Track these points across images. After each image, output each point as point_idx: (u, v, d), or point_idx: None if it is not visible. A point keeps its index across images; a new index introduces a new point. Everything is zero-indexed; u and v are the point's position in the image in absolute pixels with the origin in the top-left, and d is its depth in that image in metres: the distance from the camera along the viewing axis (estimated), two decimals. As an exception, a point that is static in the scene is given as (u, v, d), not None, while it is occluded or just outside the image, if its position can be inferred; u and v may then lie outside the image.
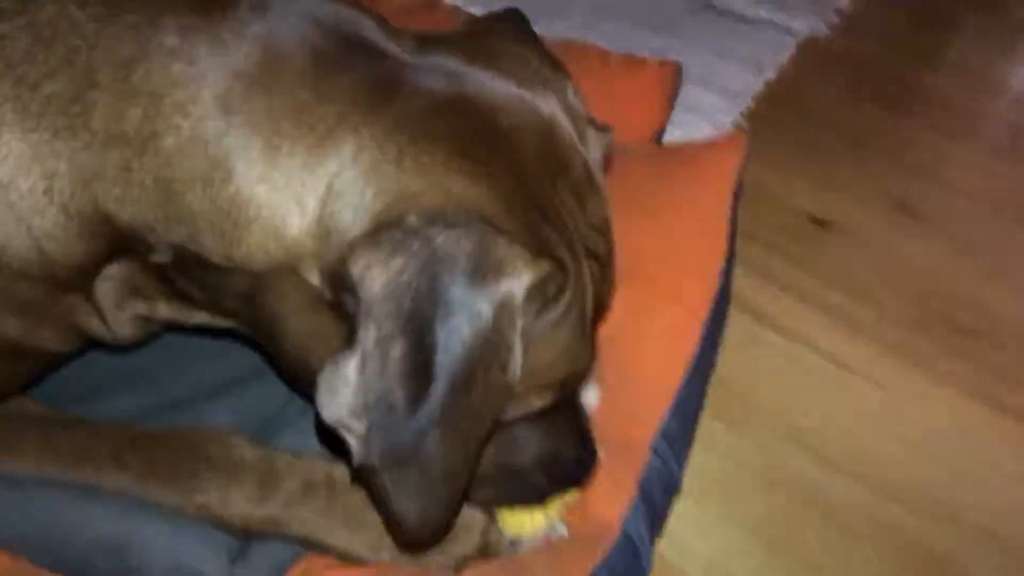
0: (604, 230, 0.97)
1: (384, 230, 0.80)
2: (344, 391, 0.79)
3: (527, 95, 0.92)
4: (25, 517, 1.08)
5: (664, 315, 1.34)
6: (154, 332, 1.14)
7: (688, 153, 1.60)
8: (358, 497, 1.09)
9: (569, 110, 0.98)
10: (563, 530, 1.13)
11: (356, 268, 0.79)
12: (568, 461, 1.07)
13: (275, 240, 0.86)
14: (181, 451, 1.10)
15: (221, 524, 1.09)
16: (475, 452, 0.85)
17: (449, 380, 0.79)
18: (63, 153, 0.89)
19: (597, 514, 1.14)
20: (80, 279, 0.99)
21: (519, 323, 0.81)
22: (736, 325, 1.62)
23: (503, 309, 0.80)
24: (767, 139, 2.04)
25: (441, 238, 0.79)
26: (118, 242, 0.95)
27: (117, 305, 1.05)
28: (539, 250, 0.83)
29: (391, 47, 0.91)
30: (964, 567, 1.35)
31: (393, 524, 0.88)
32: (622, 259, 1.35)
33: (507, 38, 0.99)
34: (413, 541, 0.96)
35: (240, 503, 1.08)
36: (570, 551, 1.10)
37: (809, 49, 2.32)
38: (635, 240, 1.38)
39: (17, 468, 1.09)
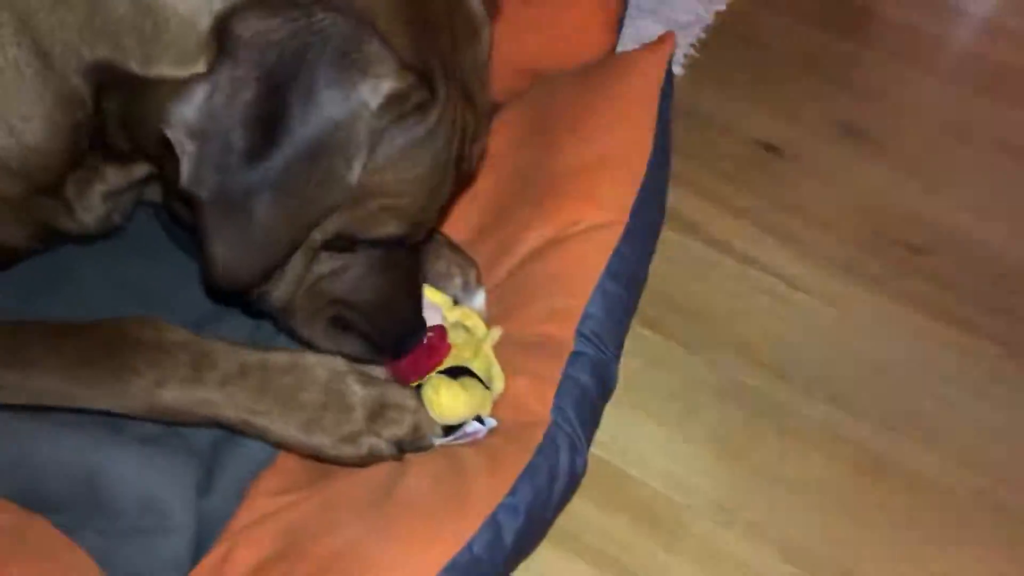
0: (483, 79, 1.05)
1: None
2: (187, 108, 0.84)
3: None
4: (57, 494, 1.09)
5: (582, 219, 1.35)
6: (114, 221, 1.21)
7: (613, 63, 1.61)
8: (292, 379, 1.11)
9: None
10: (492, 422, 1.16)
11: (234, 23, 0.84)
12: (396, 324, 1.14)
13: (188, 37, 0.90)
14: (113, 337, 1.10)
15: (154, 410, 1.09)
16: (299, 233, 0.94)
17: (291, 148, 0.85)
18: None
19: (527, 408, 1.17)
20: (55, 176, 1.07)
21: (372, 124, 0.88)
22: (690, 250, 1.67)
23: (359, 105, 0.86)
24: (718, 70, 2.06)
25: (322, 16, 0.84)
26: (71, 96, 0.99)
27: (81, 193, 1.13)
28: (411, 64, 0.89)
29: None
30: (917, 473, 1.41)
31: (204, 263, 0.94)
32: (543, 178, 1.40)
33: None
34: (215, 285, 0.98)
35: (175, 384, 1.08)
36: (504, 445, 1.13)
37: (759, -21, 2.33)
38: (557, 157, 1.43)
39: None
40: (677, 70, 2.02)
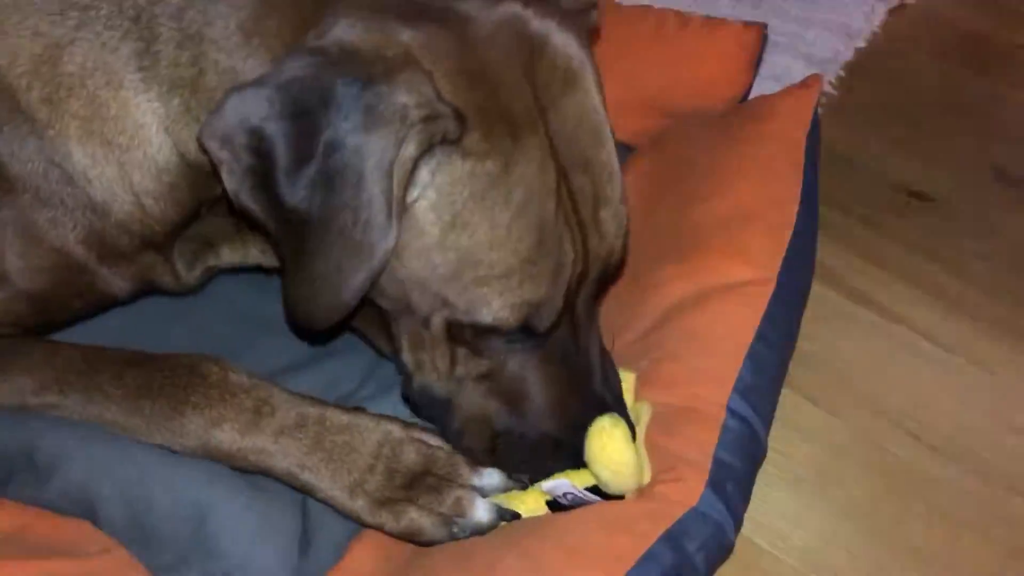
0: (595, 132, 0.99)
1: (307, 49, 0.91)
2: (215, 119, 0.89)
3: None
4: (107, 477, 1.07)
5: (730, 275, 1.27)
6: (210, 278, 1.26)
7: (755, 107, 1.55)
8: (347, 439, 1.09)
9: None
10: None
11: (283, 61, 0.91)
12: (574, 417, 1.06)
13: None
14: (178, 371, 1.10)
15: (207, 450, 1.08)
16: (360, 283, 0.92)
17: (325, 172, 0.87)
18: (144, 106, 1.03)
19: (676, 483, 1.07)
20: (168, 236, 1.13)
21: (398, 151, 0.87)
22: (831, 303, 1.57)
23: (383, 129, 0.86)
24: (859, 109, 1.97)
25: (350, 62, 0.88)
26: (201, 186, 1.07)
27: (191, 261, 1.19)
28: (448, 101, 0.89)
29: None
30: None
31: (283, 294, 0.99)
32: (684, 230, 1.32)
33: None
34: (291, 319, 1.04)
35: (230, 427, 1.08)
36: (647, 516, 1.04)
37: (901, 14, 2.22)
38: (698, 208, 1.35)
39: (17, 387, 1.11)
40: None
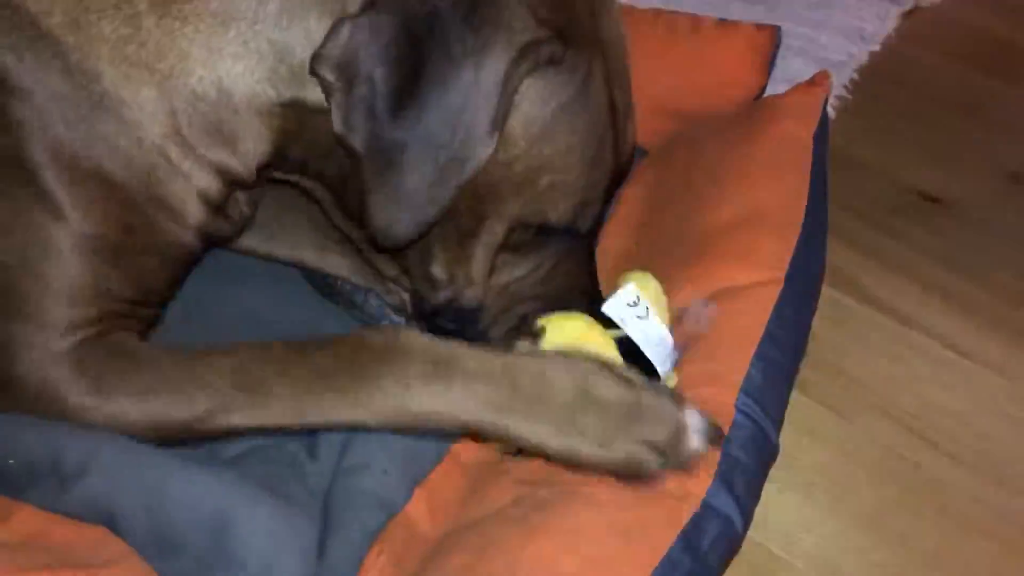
0: (626, 50, 1.08)
1: None
2: (332, 46, 0.91)
3: None
4: (128, 485, 1.05)
5: (737, 278, 1.25)
6: (246, 216, 1.23)
7: (762, 108, 1.53)
8: (540, 378, 1.04)
9: None
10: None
11: None
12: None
13: None
14: (349, 349, 1.06)
15: (400, 415, 1.04)
16: (450, 192, 0.96)
17: (430, 98, 0.90)
18: (191, 36, 1.00)
19: (677, 484, 1.05)
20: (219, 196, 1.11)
21: (506, 70, 0.91)
22: (844, 307, 1.56)
23: (492, 52, 0.90)
24: (872, 112, 1.95)
25: None
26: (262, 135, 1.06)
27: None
28: (546, 19, 0.93)
29: None
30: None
31: (366, 222, 1.01)
32: (692, 236, 1.31)
33: None
34: (376, 239, 1.03)
35: (419, 387, 1.03)
36: (654, 517, 1.02)
37: (915, 17, 2.21)
38: (705, 213, 1.34)
39: (185, 397, 1.06)
40: (828, 112, 1.92)
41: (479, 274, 1.10)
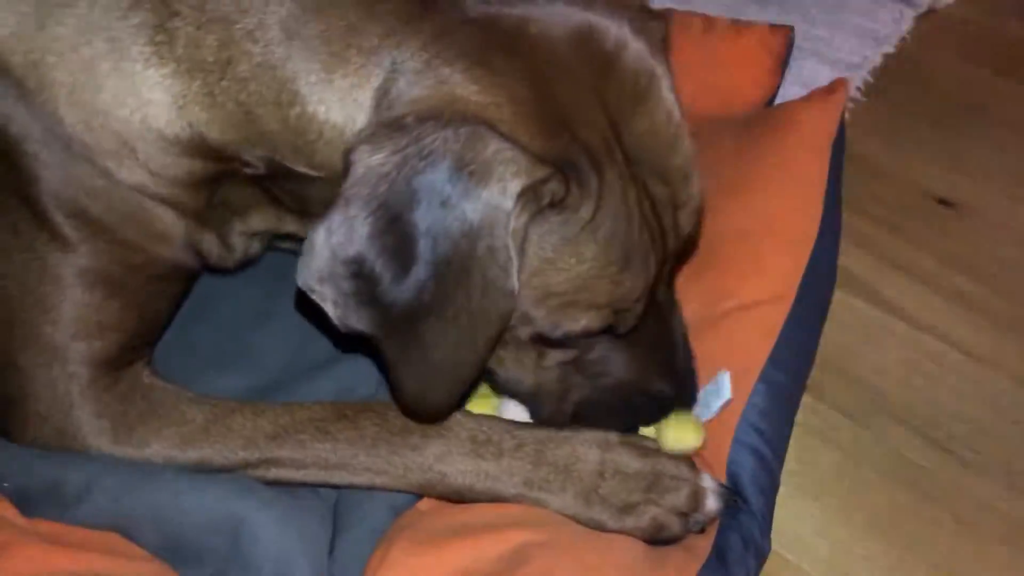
0: (670, 138, 0.96)
1: (382, 127, 0.86)
2: (309, 259, 0.87)
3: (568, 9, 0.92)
4: (138, 501, 1.06)
5: (744, 295, 1.24)
6: (251, 255, 1.23)
7: (777, 114, 1.50)
8: (567, 452, 1.10)
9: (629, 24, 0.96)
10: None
11: (353, 156, 0.86)
12: (654, 391, 1.10)
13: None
14: (386, 417, 1.11)
15: (434, 485, 1.10)
16: (482, 351, 0.93)
17: (434, 266, 0.85)
18: (154, 81, 0.98)
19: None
20: (191, 203, 1.08)
21: (511, 225, 0.85)
22: (858, 311, 1.55)
23: (490, 210, 0.84)
24: (886, 115, 1.94)
25: (432, 137, 0.83)
26: (217, 162, 1.02)
27: (221, 226, 1.14)
28: (543, 156, 0.86)
29: None
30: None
31: (393, 392, 0.99)
32: (701, 245, 1.27)
33: None
34: (409, 412, 1.06)
35: (455, 459, 1.09)
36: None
37: (930, 20, 2.19)
38: (715, 222, 1.29)
39: (223, 450, 1.10)
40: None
41: (527, 360, 1.09)
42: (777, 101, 1.67)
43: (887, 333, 1.53)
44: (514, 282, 0.88)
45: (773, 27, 1.64)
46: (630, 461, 1.11)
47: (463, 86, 0.87)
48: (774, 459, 1.16)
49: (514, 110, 0.87)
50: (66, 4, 0.98)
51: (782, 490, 1.28)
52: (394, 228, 0.84)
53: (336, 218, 0.85)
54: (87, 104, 0.99)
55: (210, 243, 1.16)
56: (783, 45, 1.64)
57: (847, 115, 1.90)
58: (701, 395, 1.15)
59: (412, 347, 0.90)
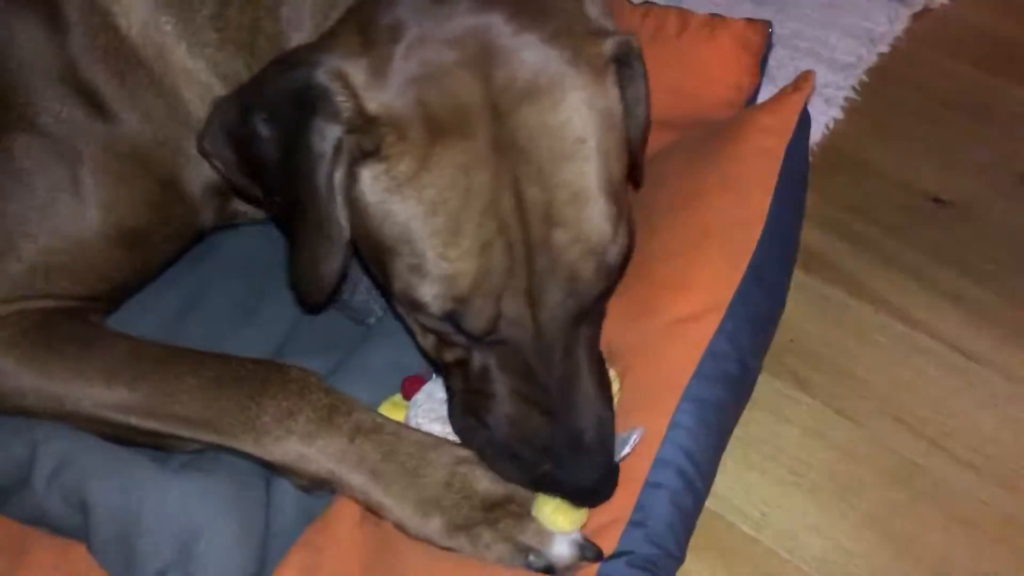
0: (562, 151, 0.95)
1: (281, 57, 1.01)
2: (207, 124, 1.04)
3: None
4: (101, 484, 1.07)
5: (671, 311, 1.20)
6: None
7: (736, 122, 1.42)
8: (420, 452, 1.09)
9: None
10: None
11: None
12: (526, 456, 1.04)
13: None
14: (259, 365, 1.13)
15: (282, 447, 1.08)
16: (333, 269, 1.01)
17: (275, 174, 0.98)
18: (222, 64, 1.16)
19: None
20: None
21: (326, 168, 0.93)
22: (852, 310, 1.55)
23: (310, 147, 0.93)
24: (882, 115, 1.94)
25: (300, 69, 0.95)
26: None
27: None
28: (368, 110, 0.93)
29: None
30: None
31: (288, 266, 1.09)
32: (636, 262, 1.20)
33: None
34: (292, 286, 1.12)
35: (305, 420, 1.08)
36: None
37: (925, 19, 2.19)
38: (653, 237, 1.27)
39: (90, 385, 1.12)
40: (837, 114, 1.92)
41: (426, 343, 1.10)
42: (758, 90, 1.60)
43: (882, 331, 1.53)
44: (341, 219, 0.96)
45: (750, 22, 1.56)
46: (480, 480, 1.08)
47: (341, 37, 0.97)
48: (699, 478, 1.12)
49: (371, 72, 0.94)
50: (169, 3, 1.16)
51: (778, 489, 1.30)
52: (250, 125, 0.97)
53: (229, 97, 1.03)
54: (198, 83, 1.19)
55: (235, 210, 1.29)
56: (761, 41, 1.56)
57: (842, 114, 1.91)
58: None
59: (293, 237, 1.01)
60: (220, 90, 1.15)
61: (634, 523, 1.07)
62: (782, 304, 1.35)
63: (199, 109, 1.17)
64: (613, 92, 1.00)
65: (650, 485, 1.09)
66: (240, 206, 1.31)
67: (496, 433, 1.05)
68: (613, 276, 1.02)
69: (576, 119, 0.96)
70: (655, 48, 1.49)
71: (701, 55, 1.54)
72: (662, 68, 1.49)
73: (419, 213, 0.94)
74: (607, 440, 1.04)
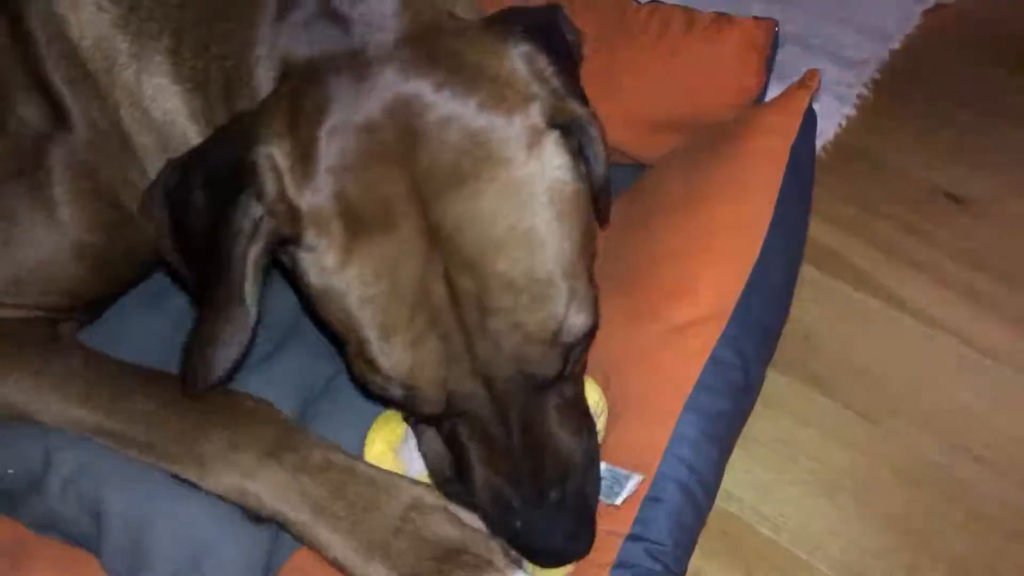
0: (493, 241, 0.89)
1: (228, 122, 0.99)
2: (153, 183, 1.00)
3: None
4: (117, 493, 1.06)
5: (673, 317, 1.16)
6: None
7: (740, 122, 1.39)
8: (372, 492, 1.04)
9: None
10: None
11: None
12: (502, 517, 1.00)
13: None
14: (213, 395, 1.06)
15: (222, 479, 1.04)
16: (218, 342, 0.96)
17: (207, 248, 0.93)
18: (177, 95, 1.10)
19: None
20: None
21: (244, 245, 0.90)
22: (867, 307, 1.55)
23: (232, 224, 0.90)
24: (894, 111, 1.93)
25: (232, 143, 0.93)
26: None
27: None
28: (290, 202, 0.89)
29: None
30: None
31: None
32: (634, 266, 1.22)
33: (492, 45, 0.94)
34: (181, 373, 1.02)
35: (249, 452, 1.04)
36: None
37: (937, 15, 2.18)
38: (656, 240, 1.24)
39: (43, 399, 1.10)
40: (850, 111, 1.91)
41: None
42: (766, 91, 1.55)
43: (899, 330, 1.52)
44: (247, 295, 0.93)
45: (757, 20, 1.53)
46: (435, 525, 1.02)
47: (274, 113, 0.93)
48: (703, 492, 1.09)
49: (296, 158, 0.90)
50: (127, 23, 1.11)
51: (795, 490, 1.29)
52: (187, 191, 0.95)
53: (176, 160, 0.99)
54: (139, 108, 1.14)
55: None
56: (768, 40, 1.52)
57: (855, 111, 1.90)
58: (607, 477, 1.06)
59: (200, 315, 0.97)
60: (160, 119, 1.12)
61: (633, 537, 1.04)
62: (787, 309, 1.33)
63: (138, 133, 1.13)
64: (555, 160, 0.92)
65: (650, 499, 1.06)
66: None
67: (476, 495, 1.01)
68: (573, 352, 0.96)
69: (506, 204, 0.89)
70: (660, 48, 1.53)
71: (707, 55, 1.51)
72: (667, 68, 1.52)
73: (351, 305, 0.91)
74: (579, 499, 1.00)
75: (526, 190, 0.90)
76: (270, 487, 1.04)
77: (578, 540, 0.99)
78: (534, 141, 0.90)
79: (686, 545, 1.07)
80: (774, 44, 1.53)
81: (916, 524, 1.28)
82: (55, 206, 1.13)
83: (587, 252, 0.95)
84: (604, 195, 0.99)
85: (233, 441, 1.05)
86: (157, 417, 1.08)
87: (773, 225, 1.24)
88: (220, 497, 1.05)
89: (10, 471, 1.09)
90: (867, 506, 1.30)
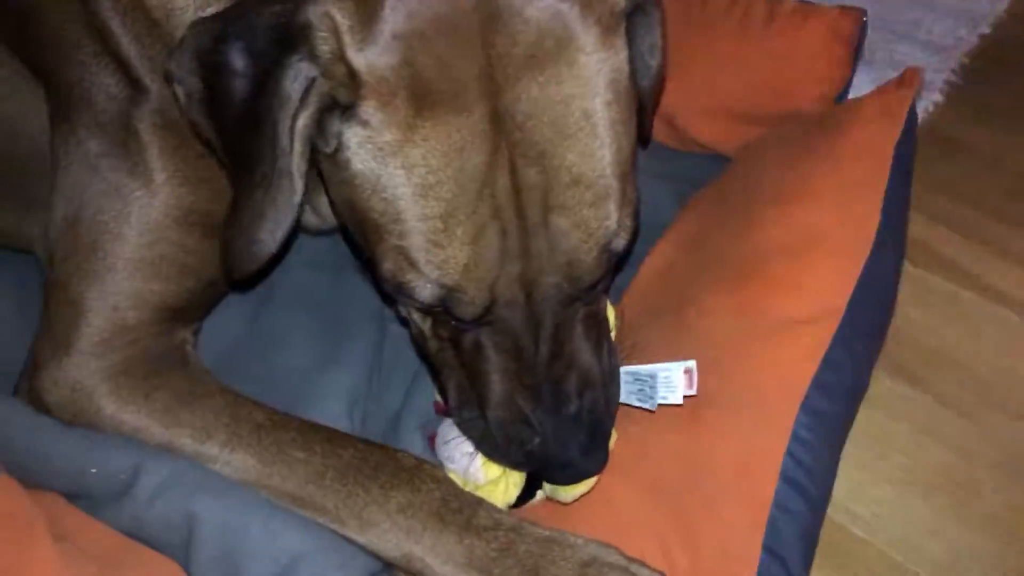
0: (564, 130, 0.86)
1: None
2: (180, 47, 0.89)
3: None
4: (210, 502, 1.04)
5: (784, 312, 1.12)
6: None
7: (838, 117, 1.35)
8: (544, 551, 0.98)
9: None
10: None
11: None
12: (523, 437, 0.98)
13: None
14: (371, 449, 1.04)
15: (385, 540, 1.00)
16: (275, 237, 0.90)
17: (239, 109, 0.86)
18: None
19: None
20: None
21: (292, 111, 0.83)
22: (961, 301, 1.50)
23: (279, 87, 0.83)
24: (984, 98, 1.87)
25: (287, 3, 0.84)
26: None
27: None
28: (351, 63, 0.83)
29: None
30: None
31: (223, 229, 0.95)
32: (739, 259, 1.19)
33: None
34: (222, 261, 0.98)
35: (415, 513, 1.00)
36: None
37: (1027, -2, 2.11)
38: (758, 234, 1.21)
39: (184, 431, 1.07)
40: (936, 98, 1.85)
41: (418, 318, 1.02)
42: (851, 91, 1.50)
43: (995, 324, 1.47)
44: (295, 173, 0.86)
45: (843, 9, 1.46)
46: None
47: None
48: (820, 497, 1.05)
49: (358, 19, 0.83)
50: None
51: (890, 490, 1.25)
52: (224, 54, 0.86)
53: (208, 19, 0.89)
54: None
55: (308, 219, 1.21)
56: (854, 30, 1.45)
57: (942, 98, 1.85)
58: (642, 377, 1.03)
59: (238, 194, 0.91)
60: None
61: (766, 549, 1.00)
62: (893, 310, 1.28)
63: None
64: (623, 51, 0.89)
65: (777, 507, 1.02)
66: (311, 218, 1.23)
67: (490, 414, 0.99)
68: (617, 262, 0.95)
69: (583, 91, 0.86)
70: (742, 39, 1.49)
71: (791, 46, 1.46)
72: (749, 60, 1.48)
73: (407, 194, 0.85)
74: (595, 415, 0.98)
75: (601, 79, 0.87)
76: (436, 550, 0.99)
77: (590, 456, 0.98)
78: (611, 27, 0.88)
79: (809, 555, 1.03)
80: (861, 34, 1.46)
81: (1018, 525, 1.23)
82: (151, 171, 1.07)
83: (635, 156, 0.93)
84: (655, 94, 0.97)
85: (398, 502, 1.00)
86: (314, 470, 1.03)
87: (881, 225, 1.20)
88: (376, 555, 1.02)
89: (93, 470, 1.09)
90: (965, 506, 1.25)
